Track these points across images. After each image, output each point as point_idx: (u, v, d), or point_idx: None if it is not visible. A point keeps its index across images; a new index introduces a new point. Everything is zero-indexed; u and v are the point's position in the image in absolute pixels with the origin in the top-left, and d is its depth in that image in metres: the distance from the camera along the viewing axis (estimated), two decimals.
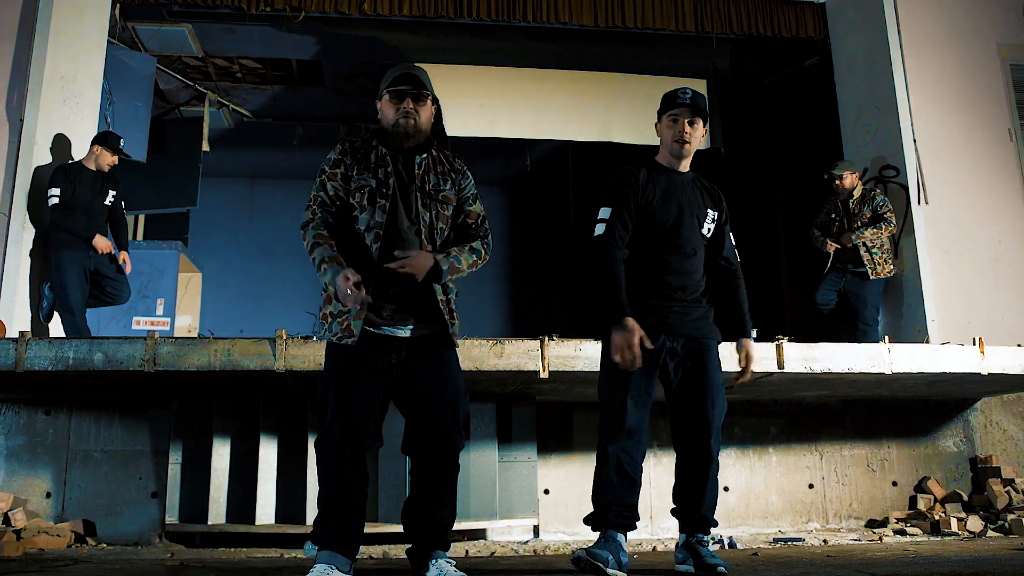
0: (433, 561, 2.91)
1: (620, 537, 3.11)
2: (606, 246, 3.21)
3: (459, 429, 2.99)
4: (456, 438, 2.98)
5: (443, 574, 2.85)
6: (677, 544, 3.28)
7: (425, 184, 2.99)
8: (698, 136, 3.30)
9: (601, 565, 2.95)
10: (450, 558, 2.98)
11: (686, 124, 3.25)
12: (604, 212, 3.25)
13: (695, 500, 3.23)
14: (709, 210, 3.35)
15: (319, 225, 2.94)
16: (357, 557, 2.95)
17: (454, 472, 3.01)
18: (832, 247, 6.25)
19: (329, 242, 2.91)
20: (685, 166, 3.36)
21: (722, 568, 3.06)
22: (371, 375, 2.90)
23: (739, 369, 3.35)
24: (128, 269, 5.84)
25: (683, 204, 3.29)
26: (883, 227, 6.11)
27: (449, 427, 2.96)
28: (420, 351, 2.96)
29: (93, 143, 5.75)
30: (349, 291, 2.71)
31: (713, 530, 3.31)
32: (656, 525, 5.23)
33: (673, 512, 3.31)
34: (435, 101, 3.11)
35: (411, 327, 2.94)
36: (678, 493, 3.29)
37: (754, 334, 4.81)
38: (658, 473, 5.24)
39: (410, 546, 3.05)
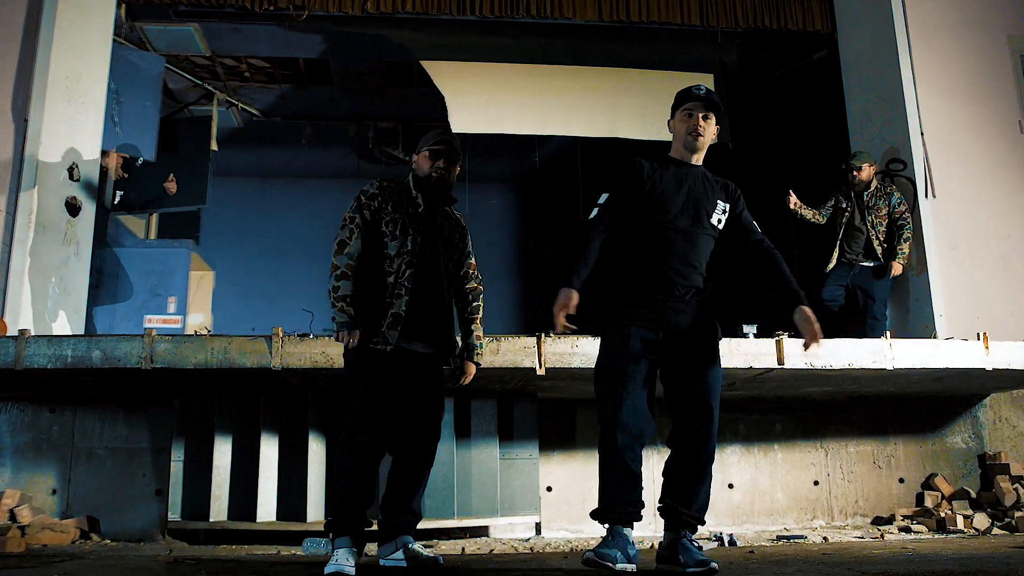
0: (410, 544, 3.39)
1: (626, 531, 3.14)
2: (588, 229, 3.27)
3: (439, 431, 3.53)
4: (436, 440, 3.52)
5: (417, 555, 3.33)
6: (662, 544, 3.25)
7: (443, 230, 3.54)
8: (711, 130, 3.32)
9: (610, 564, 3.00)
10: (426, 543, 3.43)
11: (700, 118, 3.28)
12: (601, 198, 3.32)
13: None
14: (719, 201, 3.32)
15: (352, 255, 3.38)
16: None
17: (430, 468, 3.53)
18: (805, 210, 6.42)
19: (352, 279, 3.36)
20: (698, 159, 3.37)
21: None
22: (396, 384, 3.36)
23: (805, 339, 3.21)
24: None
25: (691, 195, 3.28)
26: (908, 232, 6.13)
27: (433, 432, 3.49)
28: (427, 366, 3.45)
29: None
30: (348, 344, 3.30)
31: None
32: (660, 523, 5.18)
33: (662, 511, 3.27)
34: (460, 165, 3.63)
35: (429, 344, 3.44)
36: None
37: (755, 329, 4.79)
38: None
39: (381, 534, 3.46)
